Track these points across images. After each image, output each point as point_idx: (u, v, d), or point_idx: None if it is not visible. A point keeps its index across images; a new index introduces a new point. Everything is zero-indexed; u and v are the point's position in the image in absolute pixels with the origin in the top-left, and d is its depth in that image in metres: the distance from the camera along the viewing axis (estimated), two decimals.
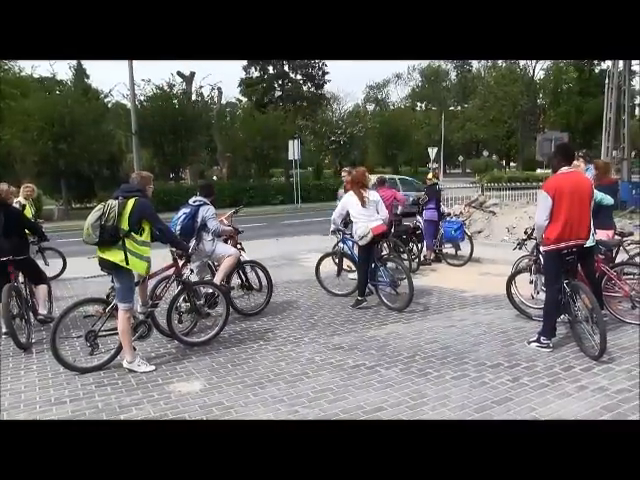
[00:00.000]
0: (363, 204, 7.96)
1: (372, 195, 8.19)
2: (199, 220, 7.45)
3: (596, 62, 59.85)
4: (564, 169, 6.06)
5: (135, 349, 6.08)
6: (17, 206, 8.90)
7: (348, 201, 8.13)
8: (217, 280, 7.45)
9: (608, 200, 7.15)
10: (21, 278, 7.49)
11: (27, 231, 7.59)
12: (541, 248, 6.45)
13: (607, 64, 29.09)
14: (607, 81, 21.02)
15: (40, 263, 8.57)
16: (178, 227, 7.38)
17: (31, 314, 7.39)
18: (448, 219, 11.81)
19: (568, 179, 5.96)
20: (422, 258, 11.37)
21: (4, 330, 7.01)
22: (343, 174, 10.32)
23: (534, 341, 6.26)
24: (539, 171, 50.29)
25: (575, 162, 6.94)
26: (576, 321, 6.12)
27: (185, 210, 7.58)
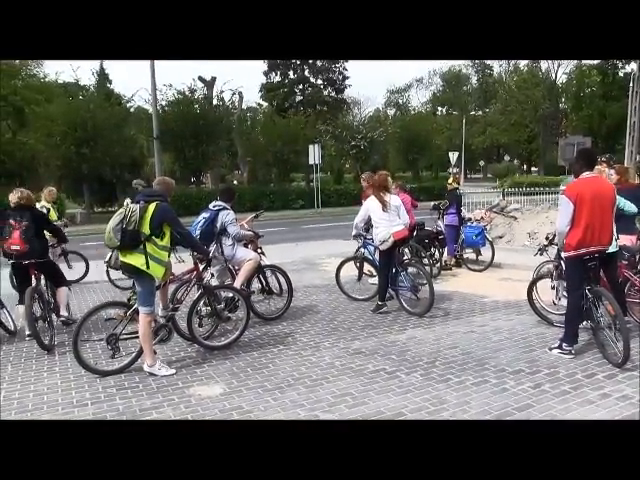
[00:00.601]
0: (385, 209, 7.94)
1: (394, 200, 8.16)
2: (218, 225, 7.48)
3: (620, 65, 59.22)
4: (586, 174, 6.00)
5: (156, 353, 6.12)
6: (44, 210, 9.05)
7: (370, 206, 8.11)
8: (237, 284, 7.48)
9: (630, 208, 6.97)
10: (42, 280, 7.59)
11: (48, 234, 7.69)
12: (562, 254, 6.38)
13: (632, 67, 28.75)
14: (632, 84, 20.75)
15: (64, 267, 8.67)
16: (198, 232, 7.40)
17: (54, 316, 7.47)
18: (469, 224, 11.75)
19: (590, 184, 5.89)
20: (443, 263, 11.32)
21: (27, 332, 7.10)
22: (362, 181, 10.31)
23: (556, 347, 6.20)
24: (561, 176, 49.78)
25: (598, 167, 6.86)
26: (599, 328, 6.04)
27: (205, 215, 7.62)
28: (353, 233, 8.77)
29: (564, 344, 6.12)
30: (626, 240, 6.96)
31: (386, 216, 7.94)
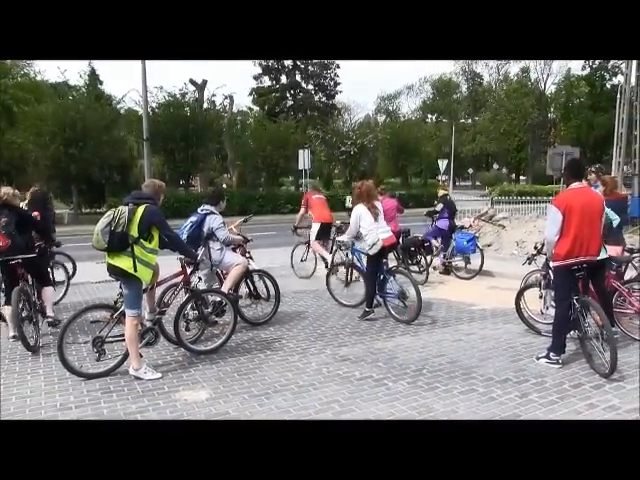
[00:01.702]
0: (375, 216, 7.99)
1: (378, 206, 8.26)
2: (205, 229, 7.45)
3: (608, 77, 59.86)
4: (574, 185, 6.04)
5: (142, 356, 6.07)
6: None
7: (359, 214, 8.10)
8: (225, 288, 7.44)
9: (612, 217, 7.01)
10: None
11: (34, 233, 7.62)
12: (551, 264, 6.40)
13: (619, 79, 29.05)
14: (619, 96, 20.94)
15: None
16: (185, 235, 7.36)
17: (39, 316, 7.39)
18: (462, 231, 11.77)
19: (579, 195, 5.93)
20: (431, 269, 11.33)
21: (11, 333, 7.03)
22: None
23: (543, 357, 6.21)
24: (549, 186, 50.04)
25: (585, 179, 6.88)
26: (586, 337, 6.06)
27: (192, 218, 7.59)
28: (345, 239, 8.76)
29: (551, 354, 6.13)
30: (613, 251, 7.00)
31: (375, 223, 7.98)
